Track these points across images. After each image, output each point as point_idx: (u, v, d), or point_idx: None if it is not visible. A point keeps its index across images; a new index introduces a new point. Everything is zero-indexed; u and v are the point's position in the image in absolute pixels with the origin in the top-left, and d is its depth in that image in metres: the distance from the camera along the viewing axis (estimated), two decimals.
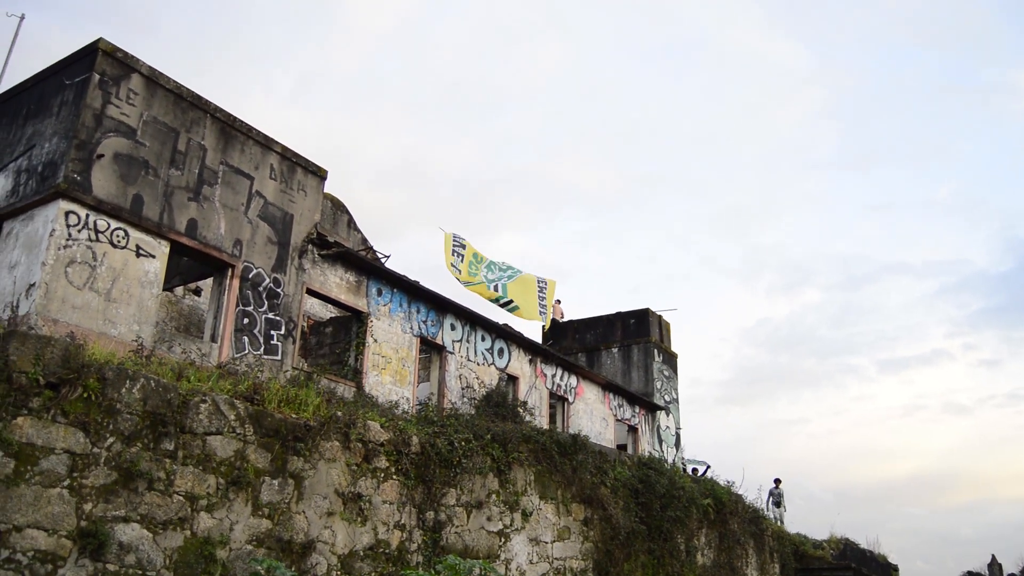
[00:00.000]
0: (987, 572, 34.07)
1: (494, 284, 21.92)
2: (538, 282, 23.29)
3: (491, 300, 21.71)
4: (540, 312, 22.81)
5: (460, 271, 21.09)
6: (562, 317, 31.56)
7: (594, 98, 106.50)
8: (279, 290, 15.16)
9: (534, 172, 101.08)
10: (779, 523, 26.51)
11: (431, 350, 19.51)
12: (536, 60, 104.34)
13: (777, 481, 28.01)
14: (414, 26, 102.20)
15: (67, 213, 12.07)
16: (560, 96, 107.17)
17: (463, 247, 21.65)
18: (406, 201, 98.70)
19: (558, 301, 31.47)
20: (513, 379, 21.63)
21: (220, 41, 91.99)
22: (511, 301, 22.01)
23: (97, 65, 12.85)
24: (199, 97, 14.37)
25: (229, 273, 14.42)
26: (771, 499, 27.46)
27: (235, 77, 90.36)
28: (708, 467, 27.11)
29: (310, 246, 16.03)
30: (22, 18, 19.37)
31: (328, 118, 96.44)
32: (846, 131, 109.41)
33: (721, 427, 79.28)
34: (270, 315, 14.89)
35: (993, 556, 35.90)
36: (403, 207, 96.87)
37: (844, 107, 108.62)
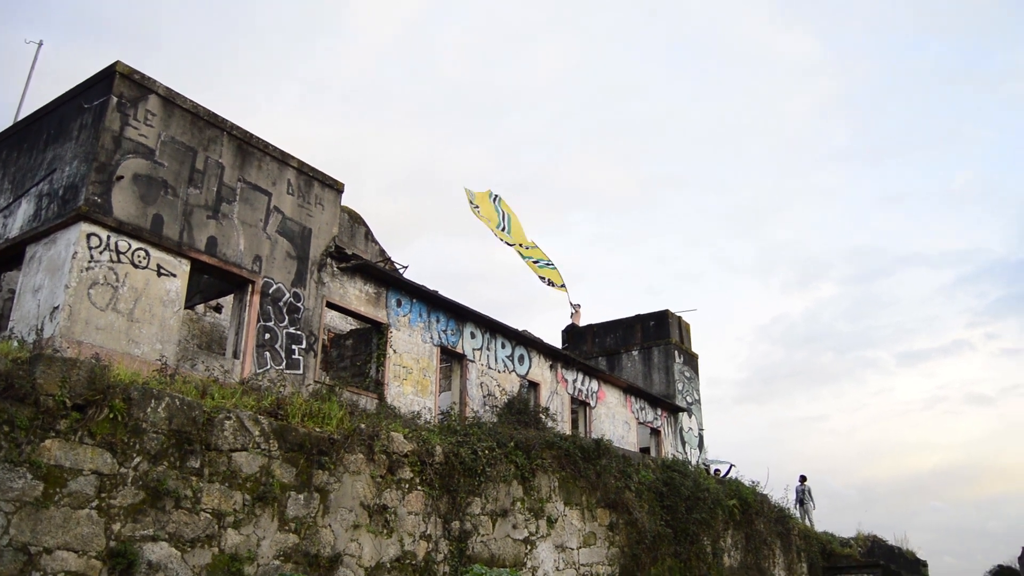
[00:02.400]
0: (1018, 565, 33.62)
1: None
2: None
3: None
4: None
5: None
6: (578, 319, 31.51)
7: (602, 98, 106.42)
8: (299, 304, 15.21)
9: (545, 175, 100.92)
10: (807, 521, 26.31)
11: (452, 359, 19.50)
12: (542, 61, 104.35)
13: (802, 478, 27.82)
14: (418, 31, 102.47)
15: (88, 235, 12.17)
16: (567, 97, 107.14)
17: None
18: (417, 208, 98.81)
19: (578, 305, 31.48)
20: (534, 385, 21.60)
21: (225, 53, 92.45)
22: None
23: (115, 88, 12.96)
24: (215, 115, 14.45)
25: (249, 289, 14.48)
26: (796, 496, 27.27)
27: (241, 88, 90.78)
28: (731, 467, 26.97)
29: (329, 260, 16.07)
30: (40, 44, 19.56)
31: (336, 127, 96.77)
32: (858, 122, 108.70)
33: (741, 427, 78.84)
34: (291, 329, 14.94)
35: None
36: (414, 214, 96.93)
37: (855, 97, 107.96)
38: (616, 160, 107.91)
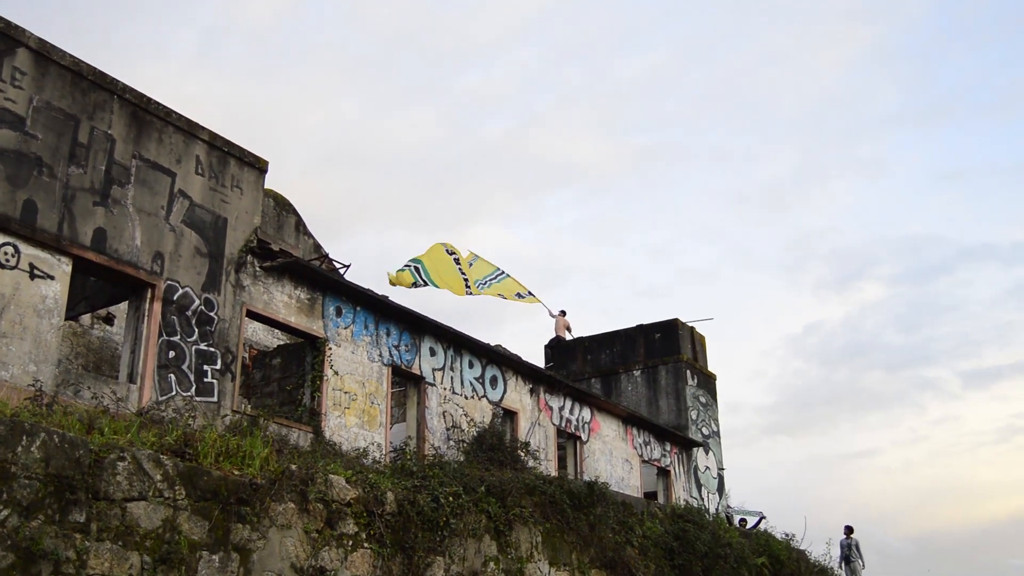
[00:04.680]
0: None
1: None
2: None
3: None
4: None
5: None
6: (569, 332, 31.57)
7: (583, 49, 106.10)
8: (212, 314, 15.14)
9: (512, 145, 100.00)
10: None
11: (407, 382, 19.48)
12: (507, 2, 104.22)
13: (848, 530, 28.02)
14: None
15: None
16: (540, 48, 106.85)
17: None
18: (351, 189, 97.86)
19: (563, 313, 31.52)
20: (511, 414, 21.62)
21: None
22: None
23: None
24: (103, 75, 14.35)
25: (148, 295, 14.39)
26: (841, 552, 27.49)
27: (121, 38, 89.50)
28: (762, 517, 27.14)
29: (249, 257, 16.02)
30: None
31: (244, 86, 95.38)
32: (908, 80, 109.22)
33: (770, 465, 79.16)
34: (202, 346, 14.86)
35: None
36: (348, 196, 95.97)
37: (904, 49, 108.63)
38: (602, 128, 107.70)
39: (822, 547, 25.16)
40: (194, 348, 14.76)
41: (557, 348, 31.51)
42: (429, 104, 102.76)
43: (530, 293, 26.40)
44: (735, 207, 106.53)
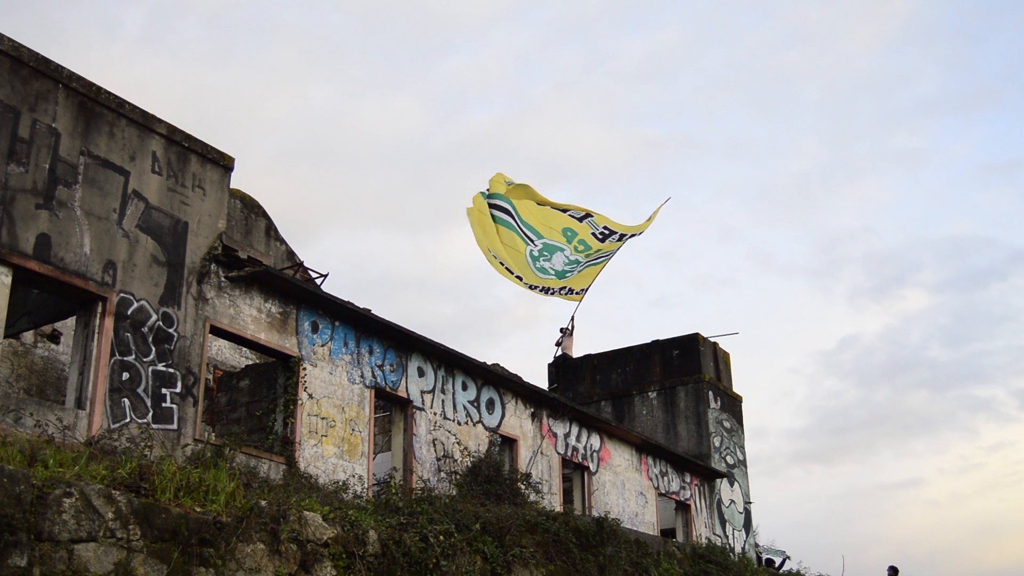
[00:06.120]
0: None
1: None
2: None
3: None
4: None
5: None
6: (570, 339, 31.34)
7: (583, 27, 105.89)
8: (171, 330, 15.12)
9: (503, 136, 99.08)
10: None
11: (392, 406, 19.47)
12: None
13: (893, 571, 28.06)
14: None
15: None
16: (536, 25, 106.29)
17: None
18: (324, 186, 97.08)
19: (569, 328, 31.44)
20: (509, 442, 21.60)
21: None
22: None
23: None
24: (46, 61, 14.36)
25: (99, 309, 14.38)
26: None
27: (62, 17, 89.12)
28: (786, 558, 27.16)
29: (213, 266, 16.01)
30: None
31: (199, 69, 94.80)
32: (951, 60, 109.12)
33: (800, 496, 78.86)
34: (160, 366, 14.85)
35: None
36: (320, 195, 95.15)
37: (946, 25, 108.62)
38: (605, 116, 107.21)
39: None
40: (151, 369, 14.75)
41: (563, 367, 31.44)
42: (410, 90, 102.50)
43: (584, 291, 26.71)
44: (756, 205, 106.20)
